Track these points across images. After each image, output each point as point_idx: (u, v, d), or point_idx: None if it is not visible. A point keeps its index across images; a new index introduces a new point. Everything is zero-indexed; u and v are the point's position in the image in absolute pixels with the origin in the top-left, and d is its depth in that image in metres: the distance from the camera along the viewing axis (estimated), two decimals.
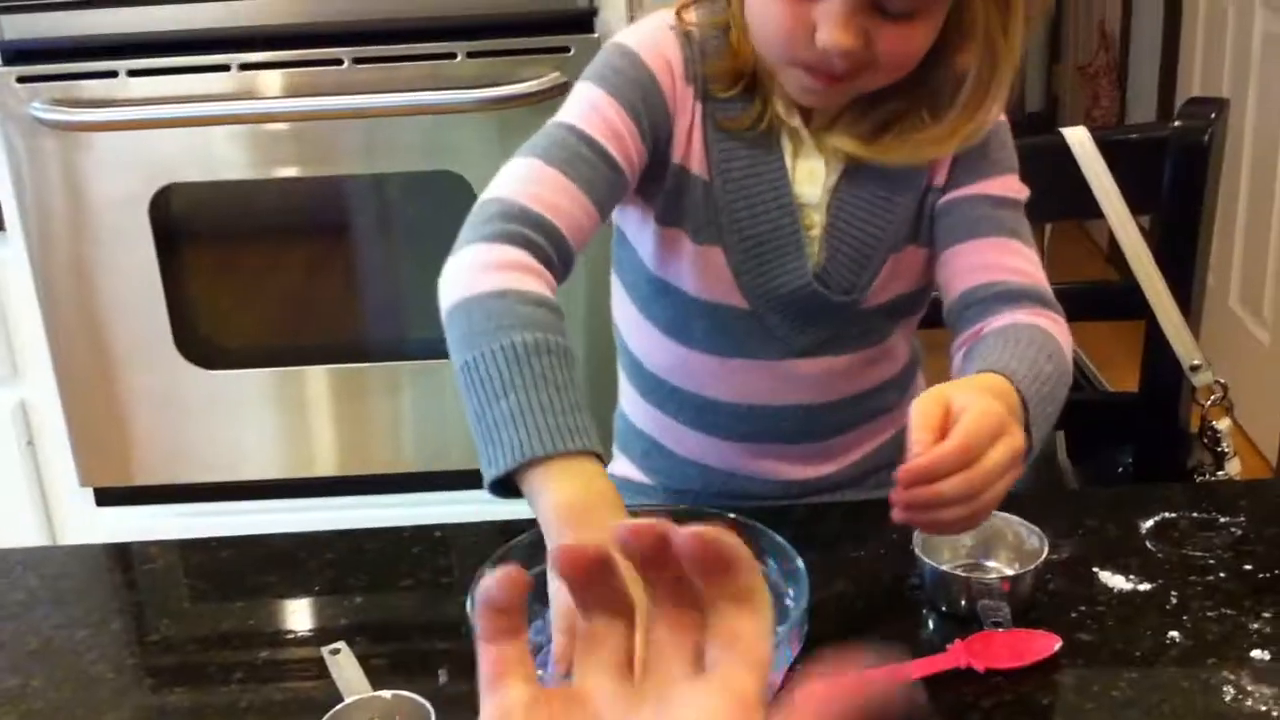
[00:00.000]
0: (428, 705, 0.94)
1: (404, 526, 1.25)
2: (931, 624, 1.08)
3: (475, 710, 0.98)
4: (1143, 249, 1.56)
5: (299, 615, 1.15)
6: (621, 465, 1.41)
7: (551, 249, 1.07)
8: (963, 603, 1.07)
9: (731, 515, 1.03)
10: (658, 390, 1.33)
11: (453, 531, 1.25)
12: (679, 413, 1.32)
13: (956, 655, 1.01)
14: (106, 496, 2.27)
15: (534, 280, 1.04)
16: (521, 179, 1.10)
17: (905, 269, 1.24)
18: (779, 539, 0.99)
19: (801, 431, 1.31)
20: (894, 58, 1.09)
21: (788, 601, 0.97)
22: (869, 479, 1.35)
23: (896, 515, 0.94)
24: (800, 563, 0.97)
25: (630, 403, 1.38)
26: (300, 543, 1.24)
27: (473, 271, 1.04)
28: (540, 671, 0.93)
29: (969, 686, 0.99)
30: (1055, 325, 1.14)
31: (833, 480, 1.34)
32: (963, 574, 1.08)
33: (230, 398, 2.18)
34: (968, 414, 0.93)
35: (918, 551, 1.09)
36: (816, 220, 1.20)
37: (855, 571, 1.14)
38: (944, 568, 1.08)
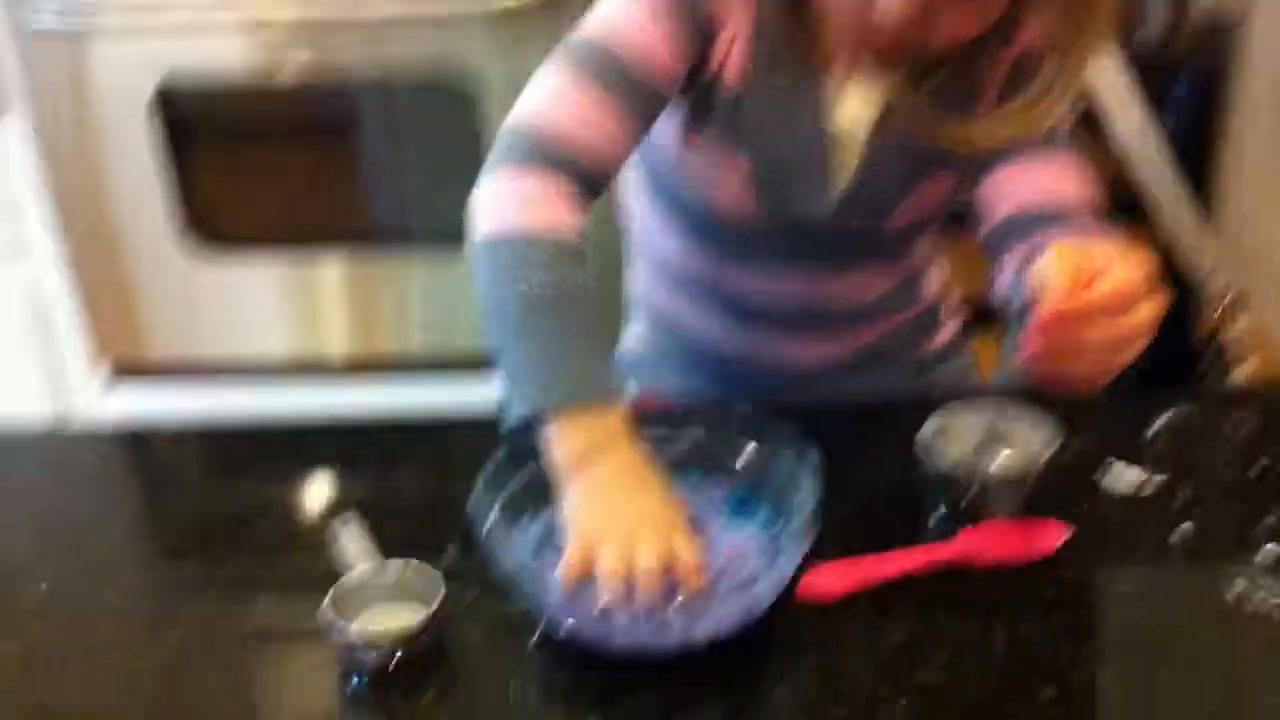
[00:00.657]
0: (437, 573, 0.94)
1: (410, 418, 1.25)
2: (938, 515, 1.08)
3: (484, 584, 1.00)
4: (1156, 152, 1.54)
5: (307, 494, 1.15)
6: (632, 335, 1.41)
7: (581, 179, 1.05)
8: (970, 494, 1.06)
9: (746, 408, 1.02)
10: (660, 270, 1.32)
11: (459, 422, 1.24)
12: (688, 290, 1.31)
13: (962, 546, 1.01)
14: (118, 376, 2.27)
15: (559, 215, 1.03)
16: (553, 100, 1.07)
17: (934, 193, 1.20)
18: (793, 433, 0.99)
19: (809, 324, 1.30)
20: (953, 32, 1.02)
21: (800, 495, 0.97)
22: (878, 366, 1.35)
23: (1028, 357, 0.94)
24: (814, 457, 0.96)
25: (640, 279, 1.38)
26: (307, 429, 1.24)
27: (497, 207, 1.03)
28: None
29: (974, 577, 0.99)
30: None
31: (843, 362, 1.33)
32: (970, 466, 1.07)
33: (238, 283, 2.17)
34: (1119, 265, 0.93)
35: (925, 444, 1.08)
36: (853, 148, 1.16)
37: (863, 469, 1.14)
38: (951, 460, 1.08)
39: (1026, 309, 0.97)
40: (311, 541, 1.04)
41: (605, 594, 0.89)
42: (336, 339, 2.24)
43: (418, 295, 2.19)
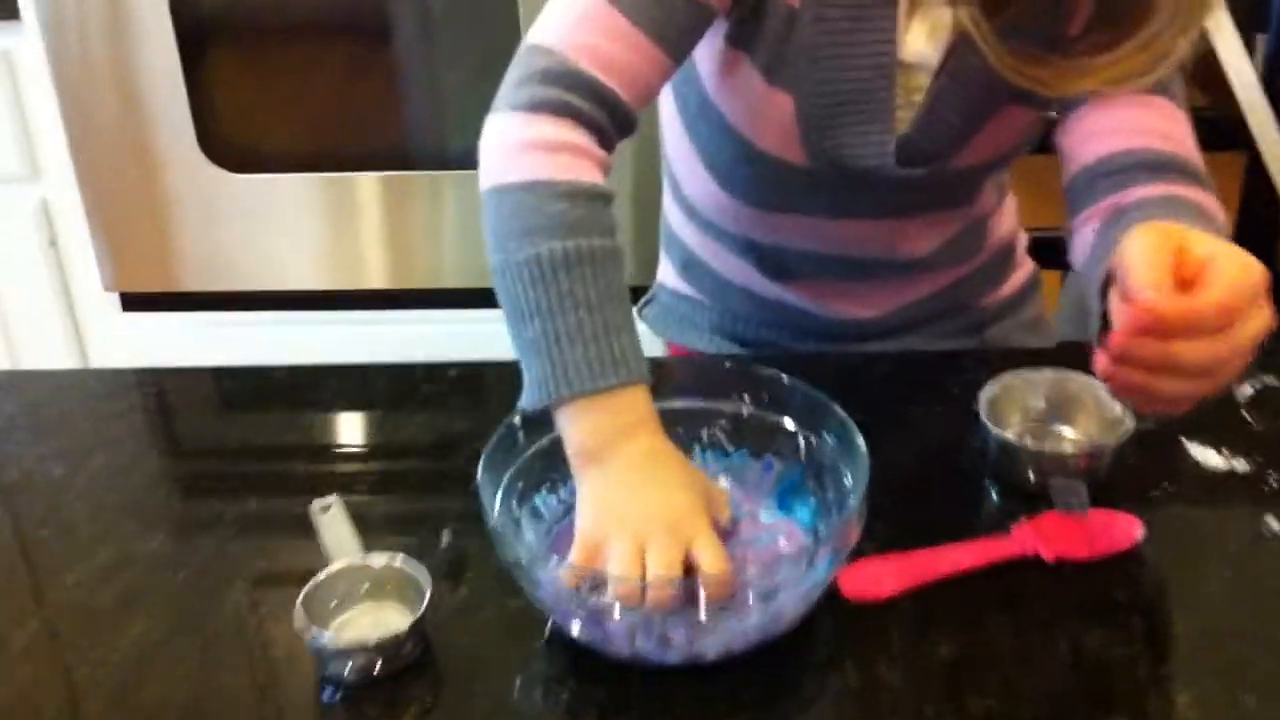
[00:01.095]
0: (424, 574, 0.83)
1: (416, 364, 1.14)
2: (994, 499, 0.96)
3: (480, 577, 0.89)
4: (1249, 70, 1.38)
5: (293, 463, 1.04)
6: (666, 271, 1.29)
7: (604, 116, 0.93)
8: (1031, 477, 0.94)
9: (785, 378, 0.90)
10: (696, 216, 1.20)
11: (469, 372, 1.13)
12: (720, 239, 1.19)
13: (1022, 540, 0.89)
14: (134, 302, 2.18)
15: (575, 161, 0.90)
16: (575, 23, 0.94)
17: (1006, 129, 1.06)
18: (840, 413, 0.86)
19: (858, 279, 1.17)
20: None
21: (845, 481, 0.85)
22: (935, 324, 1.22)
23: (1102, 367, 0.78)
24: (861, 442, 0.84)
25: (672, 213, 1.25)
26: (303, 377, 1.14)
27: (505, 151, 0.91)
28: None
29: (1034, 577, 0.88)
30: (1214, 205, 0.95)
31: (893, 320, 1.21)
32: (1033, 445, 0.95)
33: (258, 203, 2.07)
34: (1225, 265, 0.75)
35: (982, 415, 0.96)
36: (921, 83, 1.02)
37: (910, 434, 1.02)
38: (1011, 437, 0.95)
39: (1105, 303, 0.83)
40: (291, 528, 0.94)
41: (611, 601, 0.78)
42: (369, 270, 2.13)
43: (453, 221, 2.07)
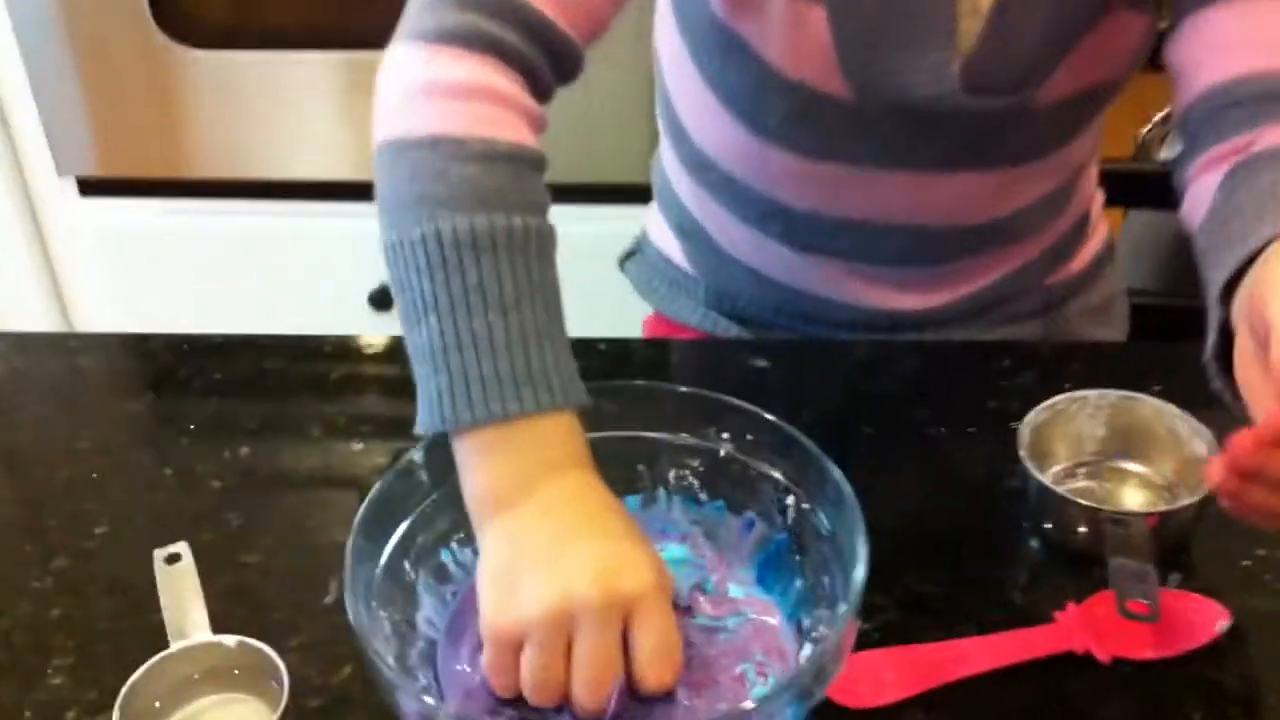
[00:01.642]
0: (279, 664, 0.64)
1: (323, 336, 0.93)
2: (1035, 561, 0.75)
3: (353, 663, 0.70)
4: None
5: (148, 494, 0.84)
6: (660, 233, 1.07)
7: (537, 52, 0.72)
8: (1083, 537, 0.74)
9: (771, 419, 0.68)
10: (708, 172, 0.95)
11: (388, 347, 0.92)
12: (735, 205, 0.95)
13: (1067, 632, 0.69)
14: (90, 187, 1.99)
15: (494, 113, 0.69)
16: None
17: (1107, 48, 0.82)
18: (837, 477, 0.64)
19: (908, 256, 0.94)
20: None
21: (839, 567, 0.64)
22: (987, 314, 0.99)
23: (1220, 481, 0.58)
24: (861, 525, 0.61)
25: (672, 167, 1.02)
26: (184, 354, 0.93)
27: (404, 95, 0.70)
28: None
29: (1083, 681, 0.68)
30: None
31: (938, 314, 0.98)
32: (1086, 500, 0.74)
33: (218, 82, 1.85)
34: None
35: (1022, 454, 0.75)
36: None
37: (930, 463, 0.81)
38: (1062, 490, 0.74)
39: (1227, 310, 0.63)
40: (132, 589, 0.74)
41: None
42: (340, 158, 1.91)
43: None
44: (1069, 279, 1.00)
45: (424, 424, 0.64)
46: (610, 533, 0.62)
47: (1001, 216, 0.92)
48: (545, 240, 0.66)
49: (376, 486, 0.64)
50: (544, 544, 0.61)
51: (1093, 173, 0.99)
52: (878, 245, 0.92)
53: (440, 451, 0.65)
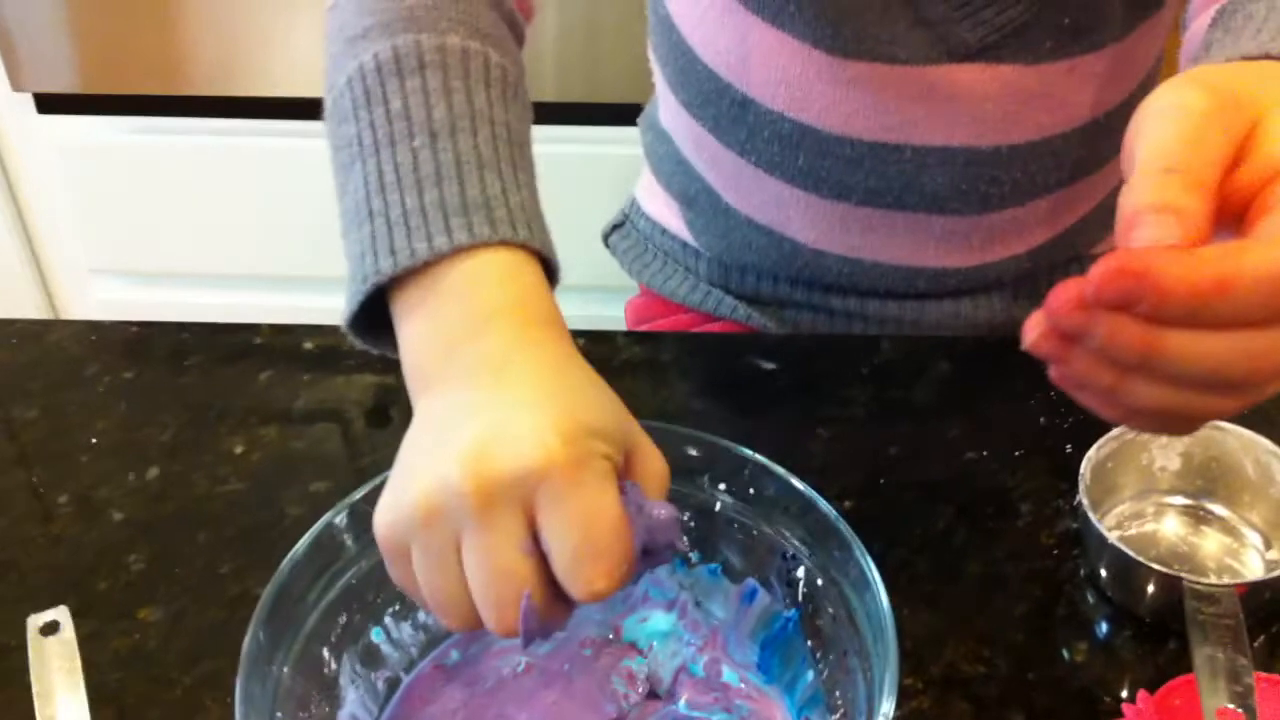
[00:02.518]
0: None
1: (256, 325, 0.79)
2: (1094, 619, 0.62)
3: None
4: None
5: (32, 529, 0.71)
6: (654, 202, 0.93)
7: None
8: (1152, 601, 0.61)
9: (780, 472, 0.54)
10: (715, 100, 0.80)
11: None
12: (751, 141, 0.80)
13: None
14: (48, 104, 1.86)
15: None
16: None
17: None
18: (858, 551, 0.51)
19: (953, 190, 0.79)
20: None
21: (858, 661, 0.52)
22: (1037, 284, 0.85)
23: (1032, 342, 0.42)
24: (888, 611, 0.49)
25: (673, 118, 0.87)
26: (91, 346, 0.79)
27: None
28: None
29: None
30: None
31: (983, 274, 0.84)
32: (1162, 569, 0.60)
33: None
34: None
35: (1081, 496, 0.62)
36: None
37: (968, 494, 0.68)
38: (1121, 530, 0.61)
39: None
40: None
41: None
42: (292, 75, 1.76)
43: None
44: None
45: (348, 305, 0.51)
46: (522, 401, 0.46)
47: (1064, 131, 0.77)
48: (494, 70, 0.54)
49: (285, 563, 0.52)
50: (437, 425, 0.47)
51: None
52: (921, 177, 0.78)
53: (370, 512, 0.52)
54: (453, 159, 0.51)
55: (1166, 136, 0.41)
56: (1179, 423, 0.45)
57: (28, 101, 1.88)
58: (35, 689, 0.56)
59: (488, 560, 0.44)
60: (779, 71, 0.76)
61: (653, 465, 0.49)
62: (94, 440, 0.72)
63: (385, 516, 0.46)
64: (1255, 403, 0.43)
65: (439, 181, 0.50)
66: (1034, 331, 0.42)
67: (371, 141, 0.52)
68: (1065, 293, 0.40)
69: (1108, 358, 0.41)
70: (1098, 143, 0.79)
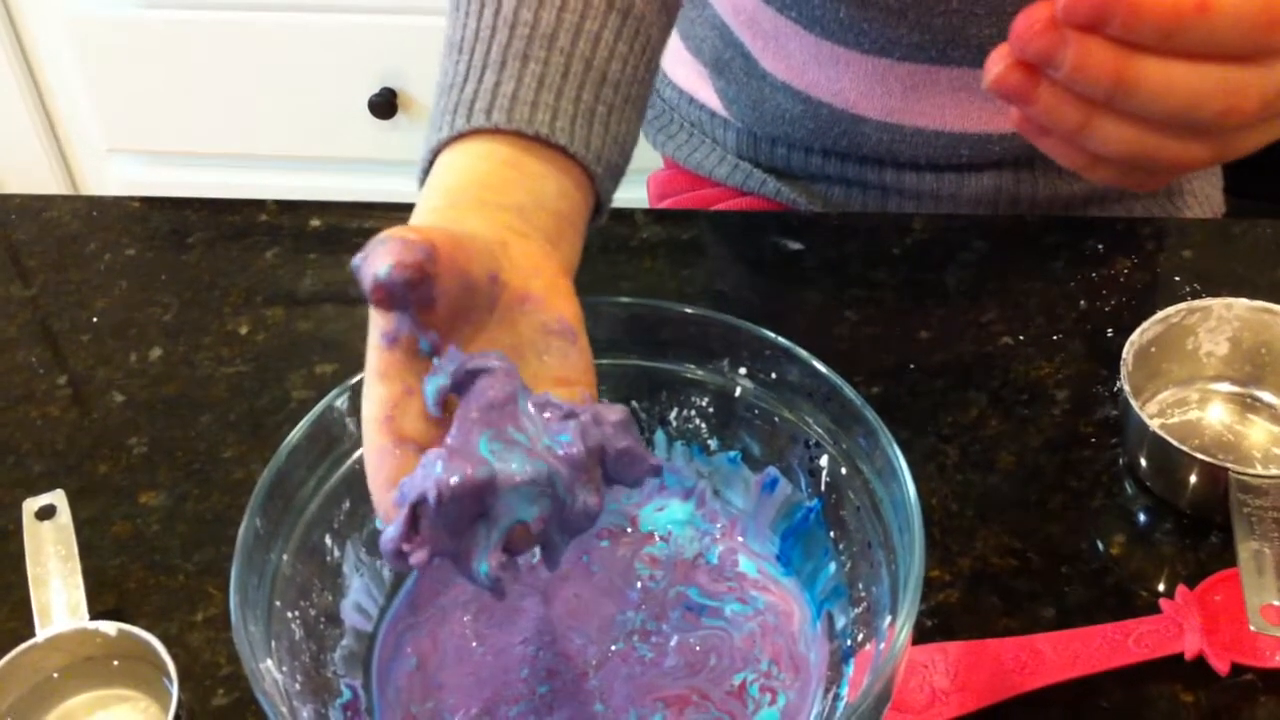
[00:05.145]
0: (167, 662, 0.50)
1: (262, 201, 0.76)
2: (1133, 511, 0.60)
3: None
4: None
5: (30, 411, 0.69)
6: (682, 69, 0.88)
7: None
8: (1195, 486, 0.58)
9: (803, 354, 0.51)
10: None
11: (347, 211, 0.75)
12: None
13: (1173, 629, 0.54)
14: None
15: None
16: None
17: None
18: (885, 438, 0.48)
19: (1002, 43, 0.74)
20: None
21: (883, 555, 0.49)
22: None
23: (996, 76, 0.40)
24: (916, 504, 0.46)
25: None
26: (92, 220, 0.77)
27: None
28: None
29: (1196, 694, 0.53)
30: None
31: (1013, 142, 0.79)
32: (1208, 459, 0.57)
33: None
34: None
35: (1124, 388, 0.59)
36: None
37: (1001, 380, 0.65)
38: (1163, 418, 0.58)
39: None
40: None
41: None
42: None
43: None
44: None
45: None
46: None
47: None
48: None
49: (282, 447, 0.49)
50: None
51: None
52: (968, 29, 0.72)
53: None
54: (481, 64, 0.51)
55: None
56: (1144, 174, 0.43)
57: None
58: (31, 574, 0.54)
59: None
60: None
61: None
62: (94, 319, 0.69)
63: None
64: (1227, 156, 0.41)
65: (461, 86, 0.51)
66: (999, 64, 0.40)
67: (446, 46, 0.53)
68: (1033, 13, 0.38)
69: (1075, 93, 0.39)
70: None
